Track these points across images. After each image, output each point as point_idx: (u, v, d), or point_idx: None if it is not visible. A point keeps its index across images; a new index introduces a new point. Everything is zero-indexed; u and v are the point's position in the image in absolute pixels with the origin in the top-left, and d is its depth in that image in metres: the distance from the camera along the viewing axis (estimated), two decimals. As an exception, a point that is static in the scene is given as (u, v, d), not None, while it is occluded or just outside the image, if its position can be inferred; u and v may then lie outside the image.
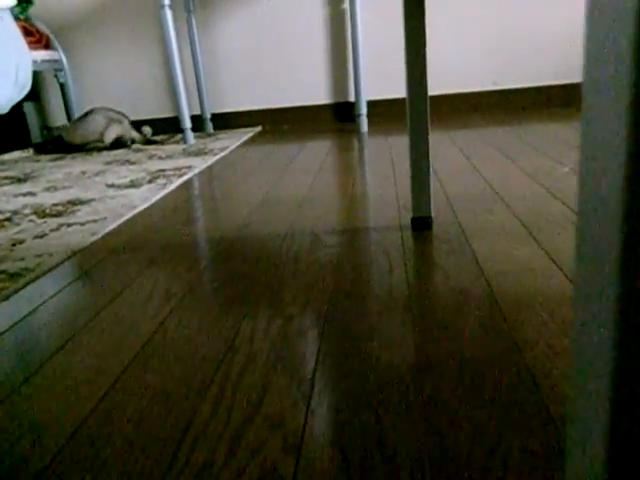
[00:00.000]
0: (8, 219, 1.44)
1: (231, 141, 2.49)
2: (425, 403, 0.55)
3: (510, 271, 0.85)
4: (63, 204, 1.55)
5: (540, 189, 1.27)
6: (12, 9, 2.35)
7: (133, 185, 1.73)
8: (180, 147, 2.44)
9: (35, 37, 2.67)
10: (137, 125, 2.79)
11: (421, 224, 1.09)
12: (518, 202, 1.19)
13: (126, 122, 2.53)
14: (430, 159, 1.05)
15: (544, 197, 1.20)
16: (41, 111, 3.05)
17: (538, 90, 2.66)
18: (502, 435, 0.50)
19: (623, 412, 0.21)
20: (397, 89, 2.74)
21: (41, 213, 1.47)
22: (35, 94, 3.00)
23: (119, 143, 2.51)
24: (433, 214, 1.16)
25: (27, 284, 0.98)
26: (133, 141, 2.56)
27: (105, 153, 2.48)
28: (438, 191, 1.34)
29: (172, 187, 1.67)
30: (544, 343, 0.64)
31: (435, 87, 2.70)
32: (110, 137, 2.46)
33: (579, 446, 0.25)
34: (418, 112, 1.02)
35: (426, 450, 0.49)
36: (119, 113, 2.54)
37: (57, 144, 2.56)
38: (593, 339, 0.22)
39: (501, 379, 0.58)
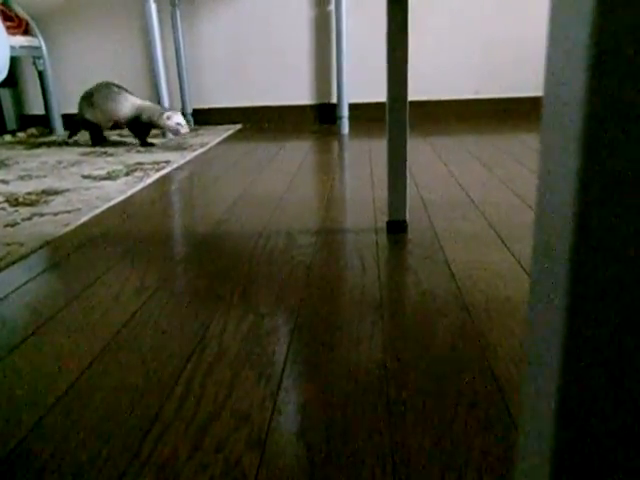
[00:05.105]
0: (-21, 206, 1.41)
1: (211, 137, 2.47)
2: (391, 402, 0.56)
3: (480, 277, 0.86)
4: (37, 193, 1.53)
5: (514, 198, 1.29)
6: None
7: (109, 177, 1.71)
8: (159, 141, 2.42)
9: (14, 22, 2.62)
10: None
11: (396, 227, 1.10)
12: (492, 210, 1.21)
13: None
14: (408, 164, 1.06)
15: (518, 206, 1.23)
16: (17, 98, 3.00)
17: (519, 101, 2.71)
18: (464, 436, 0.51)
19: (568, 418, 0.22)
20: (379, 93, 2.76)
21: (13, 202, 1.44)
22: (12, 81, 2.94)
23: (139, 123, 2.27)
24: (408, 218, 1.17)
25: (-5, 273, 0.96)
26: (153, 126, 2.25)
27: (82, 144, 2.45)
28: (414, 196, 1.35)
29: (149, 181, 1.65)
30: (509, 348, 0.66)
31: (417, 93, 2.72)
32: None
33: (527, 448, 0.26)
34: (397, 117, 1.03)
35: (389, 448, 0.50)
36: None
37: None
38: (543, 343, 0.23)
39: (466, 382, 0.59)
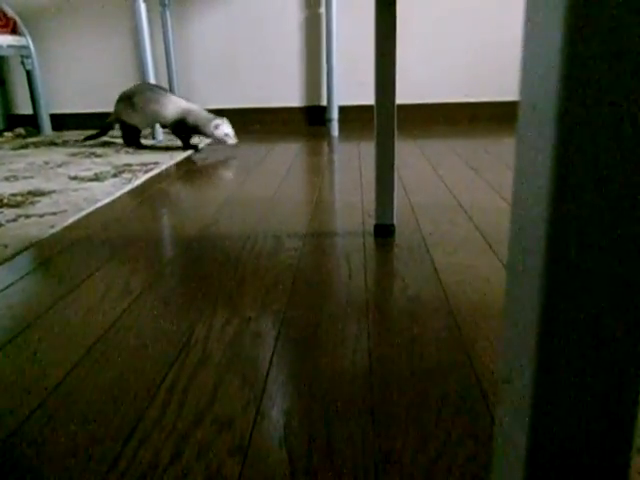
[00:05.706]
0: (-37, 207, 1.39)
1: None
2: (374, 409, 0.56)
3: (467, 282, 0.87)
4: (23, 195, 1.51)
5: (502, 202, 1.30)
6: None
7: (97, 178, 1.70)
8: (148, 142, 2.41)
9: (1, 21, 2.60)
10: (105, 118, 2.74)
11: (384, 231, 1.10)
12: (480, 214, 1.21)
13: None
14: (397, 167, 1.06)
15: (505, 210, 1.23)
16: (5, 98, 2.97)
17: (508, 104, 2.72)
18: (448, 442, 0.51)
19: (541, 427, 0.22)
20: (369, 95, 2.76)
21: (-1, 202, 1.43)
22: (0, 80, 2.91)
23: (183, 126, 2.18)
24: (396, 222, 1.17)
25: (-22, 275, 0.95)
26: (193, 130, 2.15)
27: (71, 144, 2.43)
28: (403, 199, 1.35)
29: (137, 182, 1.64)
30: (494, 353, 0.66)
31: (407, 96, 2.73)
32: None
33: (504, 449, 0.25)
34: (385, 121, 1.03)
35: (372, 455, 0.49)
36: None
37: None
38: (518, 348, 0.23)
39: (451, 387, 0.59)
